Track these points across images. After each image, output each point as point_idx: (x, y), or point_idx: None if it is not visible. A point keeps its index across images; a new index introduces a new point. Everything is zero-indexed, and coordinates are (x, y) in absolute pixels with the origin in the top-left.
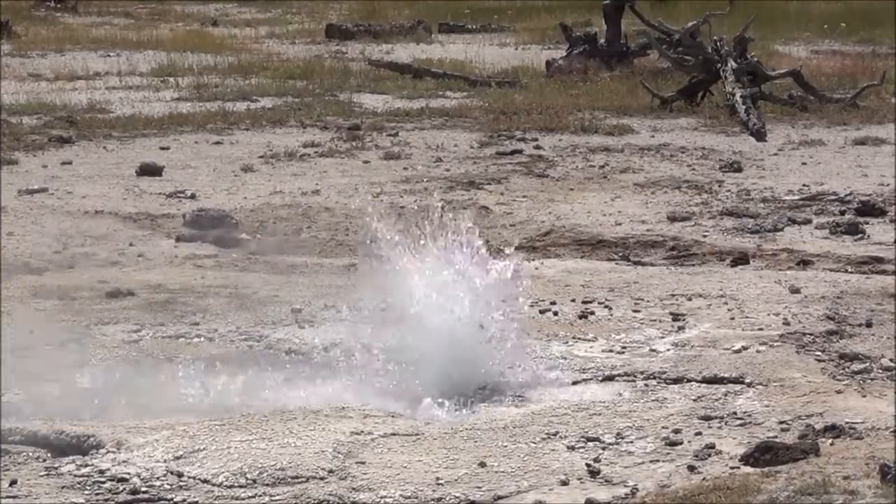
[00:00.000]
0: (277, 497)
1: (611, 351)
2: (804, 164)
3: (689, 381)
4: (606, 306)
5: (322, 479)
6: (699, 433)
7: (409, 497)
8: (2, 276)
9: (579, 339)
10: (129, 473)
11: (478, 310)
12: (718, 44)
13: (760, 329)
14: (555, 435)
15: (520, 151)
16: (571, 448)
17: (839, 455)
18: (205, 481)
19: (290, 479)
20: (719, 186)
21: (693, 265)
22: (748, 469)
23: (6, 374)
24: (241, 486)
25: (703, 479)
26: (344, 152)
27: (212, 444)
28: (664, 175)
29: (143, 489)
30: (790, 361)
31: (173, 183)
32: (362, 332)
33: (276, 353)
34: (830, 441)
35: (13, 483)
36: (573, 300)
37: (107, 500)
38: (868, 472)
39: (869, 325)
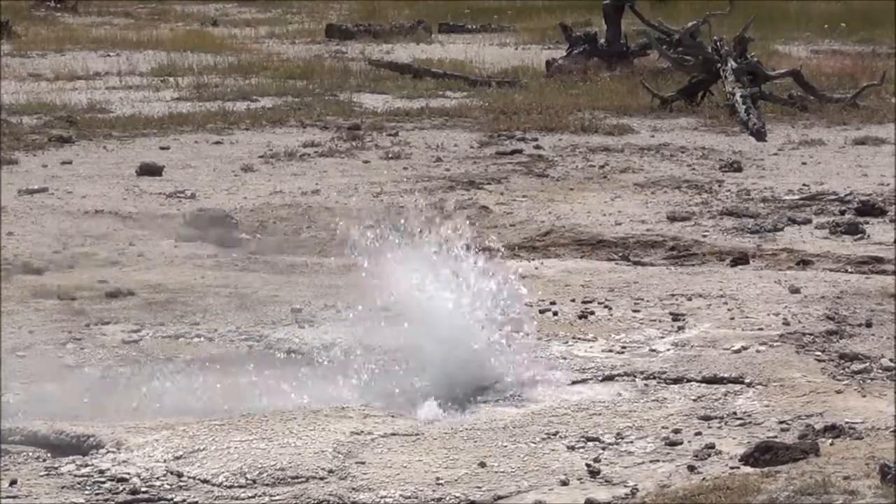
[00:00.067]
0: (277, 497)
1: (611, 351)
2: (804, 163)
3: (688, 381)
4: (606, 306)
5: (322, 479)
6: (699, 433)
7: (409, 497)
8: (2, 276)
9: (579, 339)
10: (128, 473)
11: (477, 310)
12: (718, 44)
13: (760, 329)
14: (555, 435)
15: (520, 151)
16: (571, 448)
17: (839, 455)
18: (205, 481)
19: (290, 479)
20: (719, 186)
21: (693, 265)
22: (748, 469)
23: (6, 374)
24: (241, 486)
25: (703, 479)
26: (344, 152)
27: (212, 444)
28: (664, 175)
29: (143, 489)
30: (790, 361)
31: (173, 183)
32: (362, 332)
33: (276, 352)
34: (830, 441)
35: (13, 483)
36: (573, 300)
37: (107, 500)
38: (868, 472)
39: (869, 325)
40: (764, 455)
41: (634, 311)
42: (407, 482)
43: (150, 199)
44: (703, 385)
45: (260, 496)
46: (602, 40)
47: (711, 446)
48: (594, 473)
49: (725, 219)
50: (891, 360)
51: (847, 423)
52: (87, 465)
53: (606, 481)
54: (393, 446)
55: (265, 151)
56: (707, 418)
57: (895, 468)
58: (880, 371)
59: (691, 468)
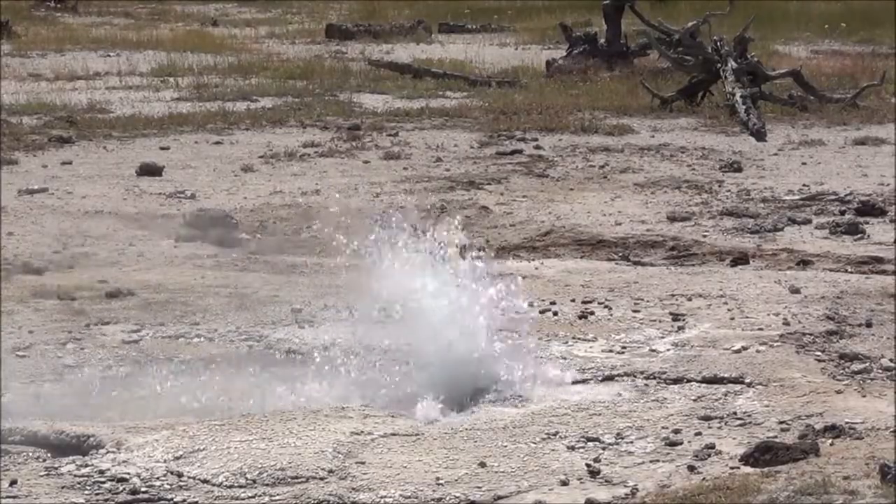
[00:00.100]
0: (277, 497)
1: (611, 351)
2: (804, 164)
3: (688, 381)
4: (606, 306)
5: (322, 479)
6: (699, 433)
7: (409, 497)
8: (2, 276)
9: (579, 339)
10: (128, 473)
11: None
12: (718, 44)
13: (760, 329)
14: (555, 435)
15: (520, 151)
16: (571, 448)
17: (839, 455)
18: (205, 481)
19: (290, 479)
20: (719, 186)
21: (693, 265)
22: (748, 469)
23: (6, 374)
24: (241, 487)
25: (703, 479)
26: (344, 152)
27: (212, 445)
28: (664, 175)
29: (143, 489)
30: (790, 361)
31: (173, 183)
32: (362, 333)
33: (276, 353)
34: (830, 441)
35: (13, 483)
36: (573, 300)
37: (107, 500)
38: (868, 472)
39: (869, 325)
40: (764, 455)
41: (634, 311)
42: (407, 482)
43: (150, 199)
44: (703, 385)
45: (260, 496)
46: (602, 40)
47: (711, 446)
48: (594, 473)
49: (725, 219)
50: (891, 360)
51: (847, 423)
52: (87, 465)
53: (606, 481)
54: (393, 446)
55: (265, 151)
56: (707, 418)
57: (895, 468)
58: (880, 371)
59: (691, 468)
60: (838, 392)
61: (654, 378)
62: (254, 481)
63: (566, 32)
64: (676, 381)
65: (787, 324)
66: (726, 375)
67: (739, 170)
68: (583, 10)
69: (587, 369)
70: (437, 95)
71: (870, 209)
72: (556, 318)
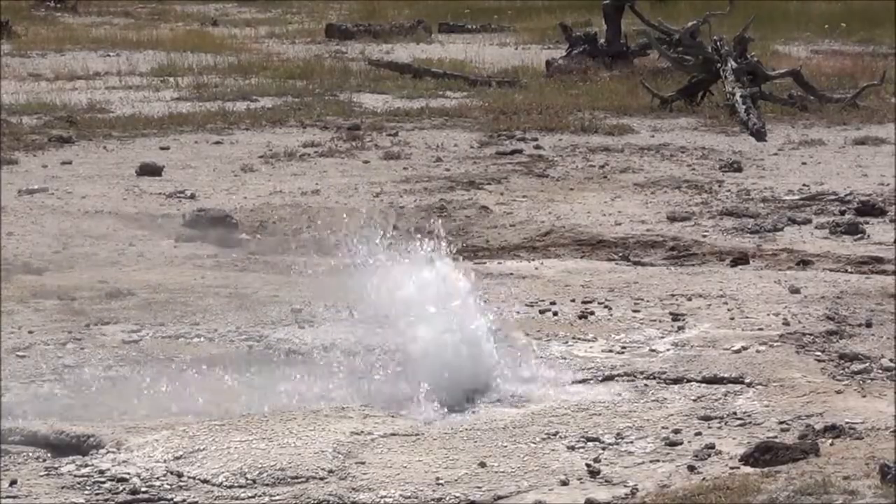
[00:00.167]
0: (277, 497)
1: (611, 351)
2: (804, 164)
3: (688, 381)
4: (606, 306)
5: (322, 479)
6: (699, 433)
7: (409, 497)
8: (2, 276)
9: (579, 339)
10: (128, 473)
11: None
12: (718, 44)
13: (760, 329)
14: (555, 435)
15: (520, 151)
16: (571, 448)
17: (839, 455)
18: (205, 481)
19: (290, 479)
20: (719, 186)
21: (693, 265)
22: (748, 469)
23: (6, 374)
24: (241, 487)
25: (703, 479)
26: (344, 152)
27: (212, 445)
28: (664, 175)
29: (143, 489)
30: (790, 361)
31: (173, 183)
32: (362, 333)
33: (275, 353)
34: (830, 441)
35: (13, 483)
36: (573, 300)
37: (107, 500)
38: (868, 472)
39: (869, 325)
40: (764, 455)
41: (634, 311)
42: (407, 482)
43: (150, 199)
44: (703, 385)
45: (260, 496)
46: (602, 40)
47: (711, 446)
48: (594, 473)
49: (725, 219)
50: (891, 360)
51: (847, 423)
52: (87, 465)
53: (606, 481)
54: (393, 446)
55: (265, 151)
56: (707, 418)
57: (895, 468)
58: (880, 371)
59: (691, 468)
60: (838, 392)
61: (654, 378)
62: (254, 481)
63: (566, 32)
64: (676, 381)
65: (787, 324)
66: (726, 375)
67: (739, 170)
68: (583, 10)
69: (587, 369)
70: (437, 95)
71: (870, 209)
72: (556, 318)
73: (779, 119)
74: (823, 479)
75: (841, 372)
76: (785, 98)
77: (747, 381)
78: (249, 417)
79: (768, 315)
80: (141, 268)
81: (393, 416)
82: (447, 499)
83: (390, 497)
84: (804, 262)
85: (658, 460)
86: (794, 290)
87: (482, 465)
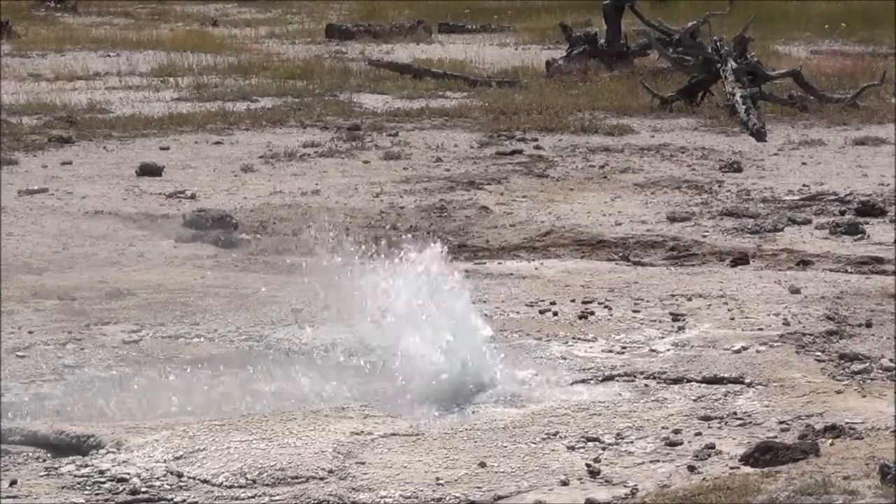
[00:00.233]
0: (277, 497)
1: (611, 351)
2: (804, 164)
3: (689, 381)
4: (606, 306)
5: (322, 479)
6: (699, 433)
7: (409, 497)
8: (2, 276)
9: (579, 339)
10: (128, 474)
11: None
12: (718, 44)
13: (760, 329)
14: (555, 435)
15: (520, 151)
16: (571, 448)
17: (839, 455)
18: (205, 481)
19: (290, 480)
20: (719, 186)
21: (693, 265)
22: (748, 469)
23: (6, 374)
24: (241, 487)
25: (703, 479)
26: (344, 152)
27: (212, 445)
28: (664, 175)
29: (143, 489)
30: (790, 361)
31: (173, 183)
32: (362, 333)
33: (276, 352)
34: (830, 441)
35: (13, 483)
36: (573, 300)
37: (107, 500)
38: (868, 472)
39: (869, 325)
40: (764, 455)
41: (634, 311)
42: (407, 482)
43: (150, 200)
44: (703, 385)
45: (260, 496)
46: (602, 40)
47: (711, 446)
48: (594, 473)
49: (725, 219)
50: (891, 360)
51: (847, 423)
52: (87, 466)
53: (606, 481)
54: (393, 446)
55: (265, 152)
56: (707, 418)
57: (895, 468)
58: (880, 371)
59: (691, 468)
60: (838, 392)
61: (654, 378)
62: (254, 481)
63: (566, 32)
64: (676, 381)
65: (787, 324)
66: (726, 375)
67: (739, 170)
68: (583, 10)
69: (587, 369)
70: (437, 95)
71: (870, 209)
72: (556, 318)
73: (779, 119)
74: (823, 479)
75: (841, 372)
76: (785, 98)
77: (747, 381)
78: (249, 417)
79: (768, 315)
80: (141, 268)
81: (393, 416)
82: (447, 499)
83: (390, 497)
84: (804, 263)
85: (658, 460)
86: (794, 291)
87: (482, 465)
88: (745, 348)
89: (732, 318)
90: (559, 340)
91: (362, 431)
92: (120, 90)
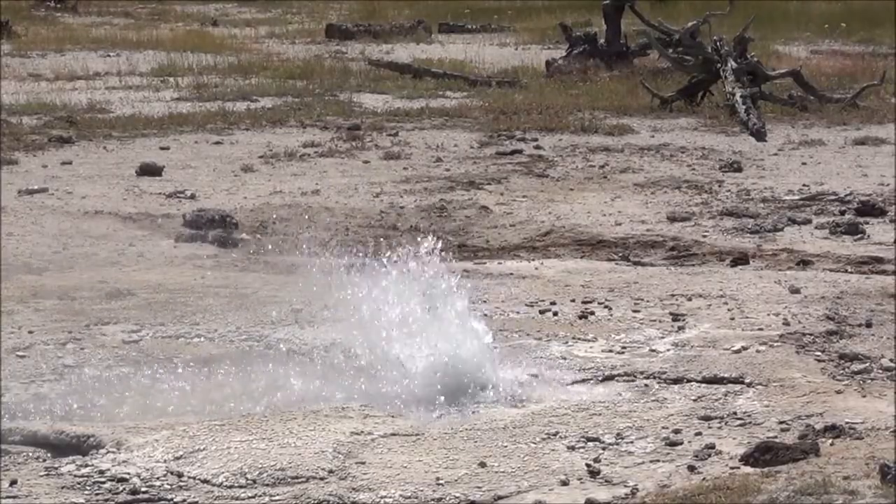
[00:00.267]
0: (277, 497)
1: (611, 351)
2: (804, 164)
3: (689, 381)
4: (606, 306)
5: (322, 479)
6: (699, 433)
7: (409, 497)
8: (2, 276)
9: (579, 339)
10: (129, 473)
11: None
12: (718, 44)
13: (760, 329)
14: (555, 435)
15: (520, 151)
16: (571, 448)
17: (839, 455)
18: (205, 481)
19: (290, 480)
20: (719, 186)
21: (693, 265)
22: (748, 469)
23: (6, 374)
24: (241, 487)
25: (703, 479)
26: (344, 152)
27: (212, 445)
28: (664, 175)
29: (143, 489)
30: (790, 361)
31: (173, 183)
32: (362, 333)
33: (276, 352)
34: (830, 441)
35: (13, 483)
36: (573, 300)
37: (107, 500)
38: (868, 472)
39: (869, 325)
40: (764, 455)
41: (634, 311)
42: (407, 482)
43: (150, 199)
44: (704, 385)
45: (260, 496)
46: (602, 40)
47: (711, 446)
48: (594, 473)
49: (725, 219)
50: (891, 360)
51: (847, 423)
52: (87, 465)
53: (606, 481)
54: (393, 446)
55: (265, 151)
56: (707, 418)
57: (895, 468)
58: (880, 371)
59: (691, 468)
60: (838, 392)
61: (655, 378)
62: (254, 481)
63: (566, 32)
64: (676, 381)
65: (787, 324)
66: (726, 375)
67: (739, 170)
68: (583, 10)
69: (587, 369)
70: (437, 95)
71: (870, 209)
72: (556, 318)
73: (779, 119)
74: (823, 479)
75: (841, 372)
76: (785, 98)
77: (747, 381)
78: (249, 417)
79: (768, 315)
80: (141, 268)
81: (393, 416)
82: (447, 499)
83: (390, 497)
84: (804, 262)
85: (658, 460)
86: (794, 290)
87: (482, 465)
88: (745, 348)
89: (732, 318)
90: (559, 340)
91: (362, 431)
92: (120, 90)
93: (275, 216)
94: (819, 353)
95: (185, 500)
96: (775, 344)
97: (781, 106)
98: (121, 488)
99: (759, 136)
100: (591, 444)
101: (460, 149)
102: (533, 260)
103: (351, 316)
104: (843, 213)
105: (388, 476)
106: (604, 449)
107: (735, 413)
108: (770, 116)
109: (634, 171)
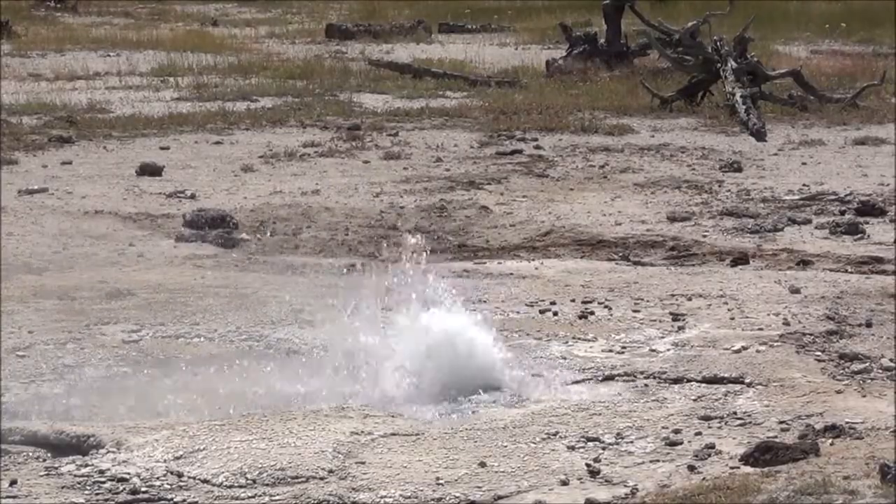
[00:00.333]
0: (277, 497)
1: (611, 351)
2: (804, 164)
3: (689, 381)
4: (606, 306)
5: (322, 479)
6: (699, 433)
7: (409, 497)
8: (2, 276)
9: (579, 339)
10: (129, 473)
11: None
12: (718, 44)
13: (760, 329)
14: (555, 435)
15: (520, 151)
16: (571, 448)
17: (839, 455)
18: (205, 481)
19: (290, 479)
20: (719, 186)
21: (693, 265)
22: (748, 469)
23: (6, 374)
24: (241, 486)
25: (703, 479)
26: (344, 152)
27: (212, 444)
28: (664, 175)
29: (143, 489)
30: (790, 361)
31: (173, 183)
32: (361, 333)
33: (275, 352)
34: (830, 441)
35: (13, 483)
36: (573, 300)
37: (107, 500)
38: (868, 472)
39: (869, 325)
40: (764, 455)
41: (634, 311)
42: (407, 482)
43: (150, 199)
44: (704, 385)
45: (260, 496)
46: (602, 40)
47: (711, 446)
48: (594, 473)
49: (725, 219)
50: (891, 360)
51: (847, 423)
52: (87, 465)
53: (606, 481)
54: (393, 446)
55: (265, 151)
56: (707, 418)
57: (895, 468)
58: (880, 371)
59: (691, 468)
60: (838, 392)
61: (654, 378)
62: (254, 481)
63: (566, 32)
64: (676, 380)
65: (787, 324)
66: (726, 375)
67: (739, 170)
68: (583, 10)
69: (587, 369)
70: (437, 95)
71: (870, 209)
72: (556, 318)
73: (779, 119)
74: (823, 479)
75: (841, 372)
76: (785, 98)
77: (747, 380)
78: (249, 417)
79: (768, 315)
80: (141, 268)
81: (393, 416)
82: (447, 499)
83: (390, 497)
84: (804, 262)
85: (658, 460)
86: (794, 290)
87: (482, 465)
88: (745, 348)
89: (732, 318)
90: (559, 340)
91: (362, 431)
92: (120, 90)
93: (275, 216)
94: (819, 353)
95: (185, 500)
96: (775, 344)
97: (781, 106)
98: (121, 488)
99: (759, 136)
100: (591, 443)
101: (460, 149)
102: (533, 260)
103: (351, 316)
104: (843, 213)
105: (388, 476)
106: (604, 449)
107: (735, 413)
108: (770, 116)
109: (634, 171)
